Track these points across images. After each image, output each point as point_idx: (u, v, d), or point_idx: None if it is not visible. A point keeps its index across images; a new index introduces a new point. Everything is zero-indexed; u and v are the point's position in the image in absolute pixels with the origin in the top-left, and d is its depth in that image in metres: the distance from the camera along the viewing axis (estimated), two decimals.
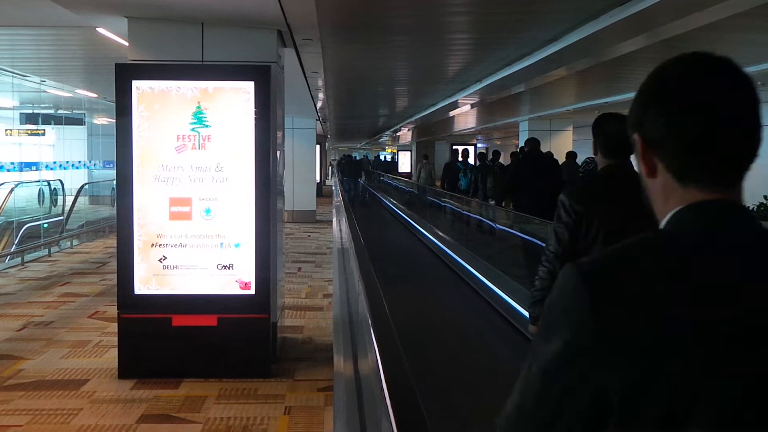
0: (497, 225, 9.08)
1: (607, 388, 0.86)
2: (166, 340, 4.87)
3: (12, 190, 12.81)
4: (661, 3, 4.92)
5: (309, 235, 13.98)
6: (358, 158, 35.59)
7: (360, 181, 28.09)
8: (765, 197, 13.31)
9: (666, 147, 0.95)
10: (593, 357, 0.87)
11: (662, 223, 0.97)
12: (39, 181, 14.90)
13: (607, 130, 2.72)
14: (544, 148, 17.01)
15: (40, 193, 14.27)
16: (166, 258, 4.85)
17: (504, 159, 16.58)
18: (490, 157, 14.67)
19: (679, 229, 0.93)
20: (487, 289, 7.86)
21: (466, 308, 7.69)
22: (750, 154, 0.94)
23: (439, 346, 5.36)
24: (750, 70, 9.08)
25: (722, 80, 0.93)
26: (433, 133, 26.70)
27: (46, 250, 10.98)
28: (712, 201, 0.93)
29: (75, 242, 12.31)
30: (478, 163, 16.77)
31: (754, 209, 13.40)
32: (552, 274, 2.73)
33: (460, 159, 15.69)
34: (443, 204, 13.73)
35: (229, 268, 4.89)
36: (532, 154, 8.24)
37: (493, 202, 11.18)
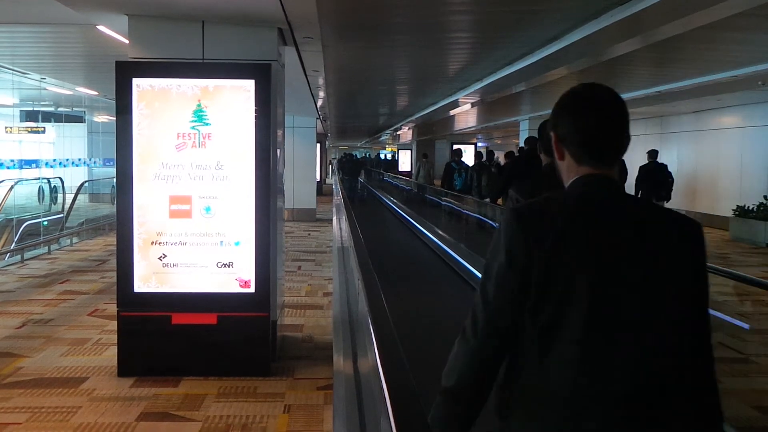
0: (488, 220, 9.23)
1: (531, 279, 1.45)
2: (165, 338, 4.87)
3: (12, 187, 12.80)
4: (661, 3, 4.92)
5: (309, 234, 13.98)
6: (358, 157, 35.71)
7: (360, 180, 28.25)
8: (765, 197, 13.31)
9: (569, 141, 1.56)
10: (522, 261, 1.46)
11: (566, 186, 1.58)
12: (39, 178, 14.89)
13: (546, 135, 3.11)
14: None
15: (40, 191, 14.24)
16: (165, 256, 4.85)
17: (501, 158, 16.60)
18: (485, 156, 14.73)
19: (574, 191, 1.55)
20: (476, 279, 7.99)
21: (460, 301, 7.70)
22: (619, 147, 1.55)
23: (438, 342, 5.36)
24: (748, 70, 9.10)
25: (603, 103, 1.55)
26: (433, 132, 26.68)
27: (46, 247, 10.98)
28: (594, 174, 1.53)
29: (75, 240, 12.31)
30: (474, 162, 16.83)
31: (754, 209, 13.40)
32: None
33: (453, 159, 15.72)
34: (439, 202, 13.77)
35: (229, 267, 4.89)
36: (531, 153, 8.32)
37: (488, 200, 11.24)
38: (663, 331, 1.46)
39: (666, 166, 13.35)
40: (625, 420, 1.45)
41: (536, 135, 11.55)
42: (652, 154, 13.22)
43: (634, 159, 14.25)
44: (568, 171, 1.58)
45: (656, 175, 12.98)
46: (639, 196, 12.58)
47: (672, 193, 13.24)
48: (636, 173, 13.34)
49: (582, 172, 1.54)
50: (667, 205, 14.05)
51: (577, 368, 1.45)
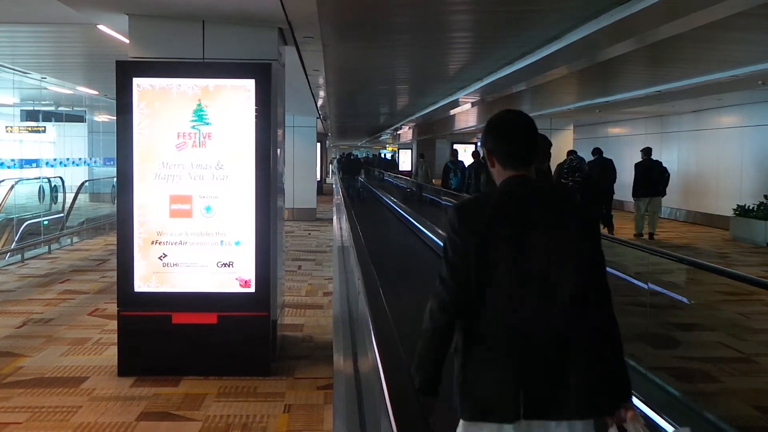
0: None
1: (471, 248, 2.00)
2: (165, 338, 4.87)
3: (12, 187, 12.79)
4: (661, 3, 4.91)
5: (309, 233, 13.98)
6: (359, 156, 35.82)
7: (360, 179, 28.41)
8: (765, 196, 13.31)
9: (496, 153, 2.15)
10: (466, 237, 2.03)
11: (498, 184, 2.15)
12: (39, 178, 14.88)
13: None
14: None
15: (41, 190, 14.23)
16: (166, 255, 4.86)
17: None
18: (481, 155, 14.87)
19: (501, 188, 2.13)
20: None
21: None
22: (531, 156, 2.13)
23: None
24: (748, 70, 9.10)
25: (518, 123, 2.15)
26: (433, 132, 26.66)
27: (46, 247, 10.98)
28: (516, 175, 2.11)
29: (75, 239, 12.31)
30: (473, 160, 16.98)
31: (754, 208, 13.40)
32: None
33: (450, 159, 15.91)
34: (435, 200, 13.82)
35: (229, 266, 4.89)
36: None
37: None
38: (566, 282, 2.00)
39: (660, 162, 13.64)
40: (545, 350, 1.99)
41: None
42: (647, 151, 13.54)
43: (636, 158, 14.35)
44: (498, 174, 2.17)
45: (651, 172, 13.33)
46: (637, 192, 13.28)
47: (667, 188, 13.67)
48: (634, 171, 13.66)
49: (507, 174, 2.13)
50: (663, 201, 14.37)
51: (507, 313, 2.00)
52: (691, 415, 3.92)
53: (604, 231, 12.67)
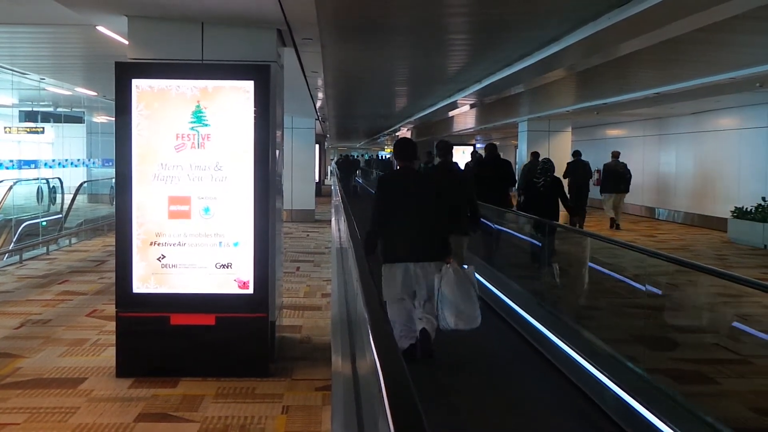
0: None
1: (386, 200, 5.41)
2: (164, 339, 4.87)
3: (11, 187, 12.76)
4: (662, 3, 4.92)
5: (308, 235, 13.98)
6: (356, 156, 36.48)
7: (359, 181, 29.16)
8: (763, 198, 13.33)
9: (396, 155, 5.68)
10: (383, 194, 5.40)
11: (398, 168, 5.70)
12: (38, 179, 14.86)
13: (440, 147, 6.93)
14: (543, 148, 17.40)
15: (39, 191, 14.21)
16: (164, 257, 4.85)
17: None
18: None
19: (398, 170, 5.66)
20: None
21: None
22: (411, 157, 5.59)
23: (436, 339, 5.37)
24: (746, 72, 9.12)
25: (406, 142, 5.80)
26: (432, 133, 26.69)
27: (45, 248, 10.97)
28: (404, 165, 5.54)
29: (74, 240, 12.30)
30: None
31: (752, 210, 13.42)
32: None
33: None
34: None
35: (227, 267, 4.89)
36: (492, 155, 9.77)
37: None
38: (428, 213, 5.26)
39: (625, 164, 15.49)
40: (417, 244, 5.23)
41: (535, 137, 12.61)
42: (615, 154, 15.49)
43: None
44: (398, 164, 5.54)
45: (617, 172, 15.25)
46: (604, 188, 15.36)
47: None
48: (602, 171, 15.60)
49: (401, 164, 5.53)
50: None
51: (399, 225, 5.24)
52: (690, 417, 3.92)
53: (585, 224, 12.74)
